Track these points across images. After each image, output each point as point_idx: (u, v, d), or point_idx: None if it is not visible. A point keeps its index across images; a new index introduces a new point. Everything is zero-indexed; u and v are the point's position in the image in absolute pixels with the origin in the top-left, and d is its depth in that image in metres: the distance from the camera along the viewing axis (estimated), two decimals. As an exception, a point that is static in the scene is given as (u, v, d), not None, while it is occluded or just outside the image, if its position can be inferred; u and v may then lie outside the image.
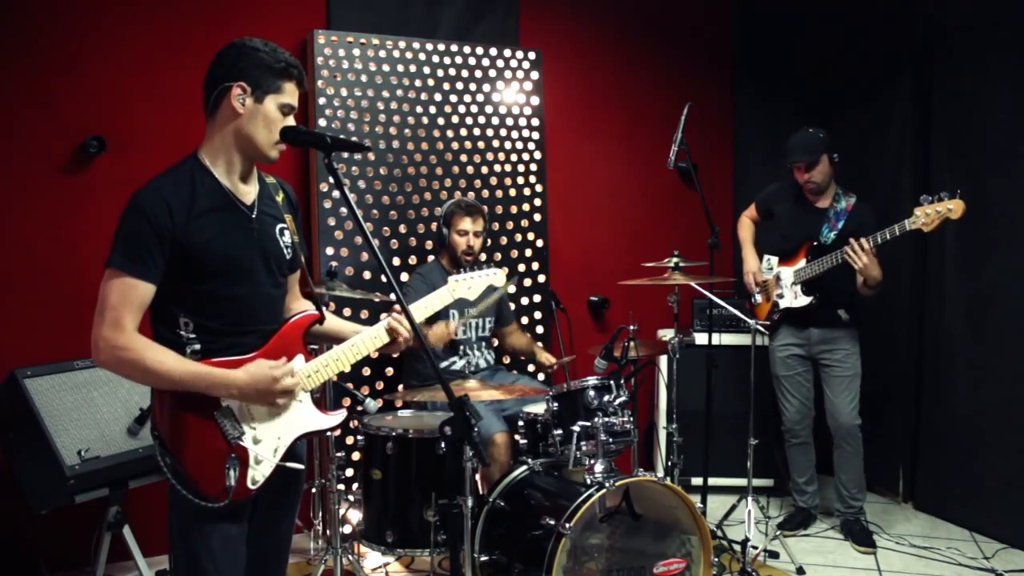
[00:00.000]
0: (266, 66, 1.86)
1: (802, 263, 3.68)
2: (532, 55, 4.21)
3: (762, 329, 3.59)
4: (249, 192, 1.96)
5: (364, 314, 3.74)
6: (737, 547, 3.34)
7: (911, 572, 3.44)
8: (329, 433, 2.54)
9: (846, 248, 3.40)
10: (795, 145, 3.69)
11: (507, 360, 4.06)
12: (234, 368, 1.84)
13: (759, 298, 3.91)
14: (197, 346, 1.83)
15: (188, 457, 1.81)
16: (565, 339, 4.29)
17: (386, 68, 3.85)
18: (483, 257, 3.78)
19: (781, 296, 3.78)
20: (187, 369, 1.79)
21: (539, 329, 4.25)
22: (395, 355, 2.17)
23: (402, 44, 3.88)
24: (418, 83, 3.92)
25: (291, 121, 1.92)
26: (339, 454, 3.18)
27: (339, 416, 2.05)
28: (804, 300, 3.69)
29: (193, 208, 1.82)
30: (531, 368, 4.11)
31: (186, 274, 1.82)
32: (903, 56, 4.22)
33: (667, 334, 3.98)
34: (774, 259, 3.84)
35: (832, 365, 3.72)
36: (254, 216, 1.93)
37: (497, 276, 2.42)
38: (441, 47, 3.98)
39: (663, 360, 4.00)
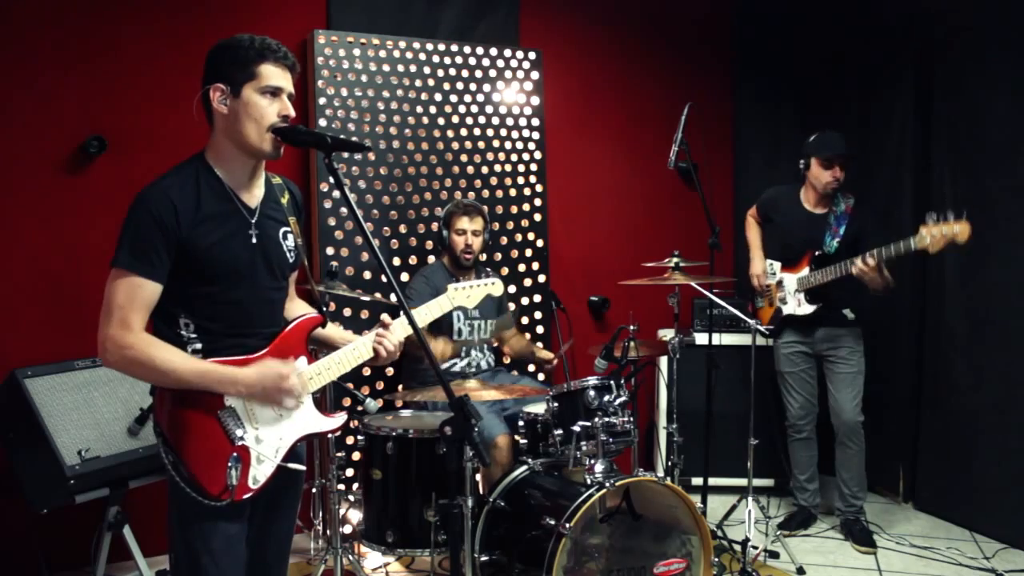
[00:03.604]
0: (236, 58, 1.84)
1: (805, 272, 3.68)
2: (532, 55, 4.20)
3: (762, 330, 3.59)
4: (254, 195, 1.95)
5: (364, 314, 3.74)
6: (737, 547, 3.34)
7: (911, 572, 3.43)
8: (329, 434, 2.54)
9: (855, 266, 3.38)
10: (834, 141, 3.63)
11: (507, 361, 4.06)
12: (242, 366, 1.85)
13: (762, 302, 3.91)
14: (198, 346, 1.84)
15: (190, 455, 1.81)
16: (565, 339, 4.29)
17: (386, 68, 3.84)
18: (483, 257, 3.78)
19: (784, 302, 3.78)
20: (195, 367, 1.80)
21: (539, 329, 4.24)
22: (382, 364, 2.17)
23: (402, 44, 3.88)
24: (418, 83, 3.92)
25: (284, 104, 1.87)
26: (339, 454, 3.18)
27: (340, 419, 2.05)
28: (808, 308, 3.68)
29: (198, 211, 1.82)
30: (531, 368, 4.11)
31: (187, 276, 1.82)
32: (903, 56, 4.21)
33: (667, 334, 3.98)
34: (776, 264, 3.84)
35: (836, 362, 3.72)
36: (255, 220, 1.92)
37: (496, 286, 2.45)
38: (441, 47, 3.98)
39: (663, 360, 4.00)
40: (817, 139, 3.69)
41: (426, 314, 2.23)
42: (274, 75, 1.85)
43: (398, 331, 2.07)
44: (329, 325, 2.13)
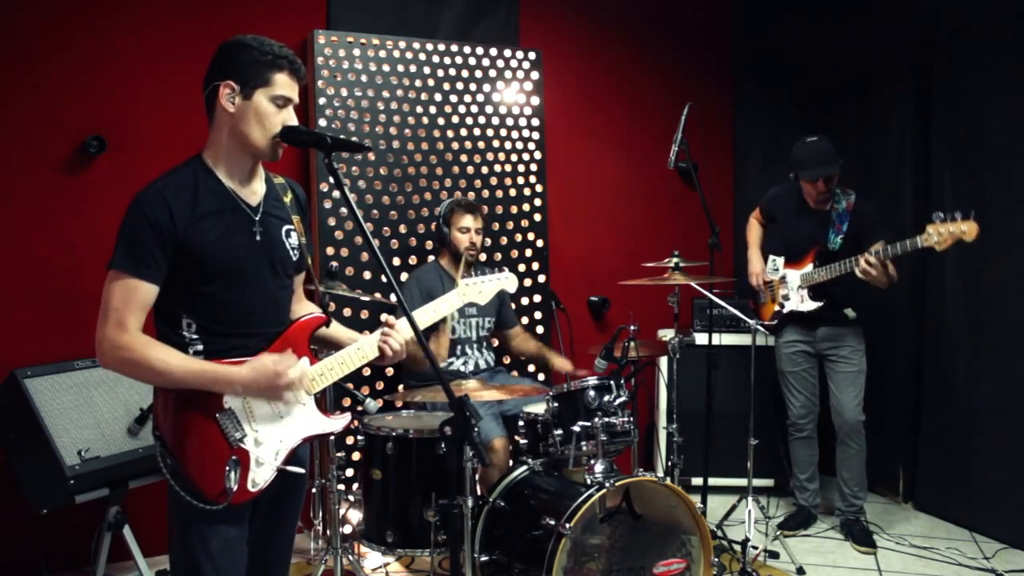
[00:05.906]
0: (253, 61, 1.84)
1: (809, 268, 3.67)
2: (532, 55, 4.20)
3: (762, 329, 3.58)
4: (255, 193, 1.95)
5: (364, 314, 3.74)
6: (737, 547, 3.34)
7: (911, 572, 3.44)
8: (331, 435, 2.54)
9: (859, 267, 3.38)
10: (813, 157, 3.58)
11: (507, 360, 4.06)
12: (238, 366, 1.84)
13: (764, 298, 3.91)
14: (200, 347, 1.84)
15: (189, 458, 1.81)
16: (565, 339, 4.29)
17: (386, 68, 3.84)
18: (483, 257, 3.78)
19: (787, 298, 3.77)
20: (191, 367, 1.79)
21: (539, 329, 4.24)
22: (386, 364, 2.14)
23: (402, 44, 3.88)
24: (418, 83, 3.92)
25: (290, 113, 1.89)
26: (339, 454, 3.18)
27: (343, 420, 2.04)
28: (811, 305, 3.68)
29: (195, 210, 1.81)
30: (531, 368, 4.11)
31: (188, 276, 1.82)
32: (903, 56, 4.21)
33: (667, 334, 3.98)
34: (780, 260, 3.83)
35: (838, 362, 3.72)
36: (258, 218, 1.92)
37: (509, 280, 2.41)
38: (441, 47, 3.98)
39: (663, 360, 4.00)
40: (797, 155, 3.64)
41: (435, 312, 2.18)
42: (286, 85, 1.87)
43: (404, 329, 2.06)
44: (334, 324, 2.12)
